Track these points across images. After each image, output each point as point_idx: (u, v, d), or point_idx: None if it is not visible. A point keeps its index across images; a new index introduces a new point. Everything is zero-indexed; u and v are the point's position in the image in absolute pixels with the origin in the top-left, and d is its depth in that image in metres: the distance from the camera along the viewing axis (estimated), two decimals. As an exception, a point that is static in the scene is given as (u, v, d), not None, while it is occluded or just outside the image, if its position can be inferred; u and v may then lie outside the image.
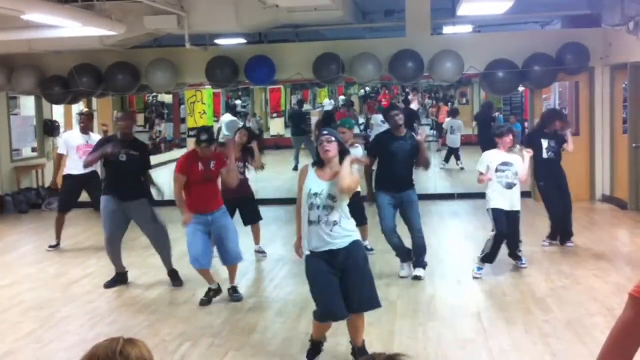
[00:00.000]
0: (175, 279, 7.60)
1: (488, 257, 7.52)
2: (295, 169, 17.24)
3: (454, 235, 9.84)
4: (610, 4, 10.64)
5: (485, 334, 5.71)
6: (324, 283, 4.90)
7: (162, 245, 7.65)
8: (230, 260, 6.93)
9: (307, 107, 31.01)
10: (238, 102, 23.64)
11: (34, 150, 14.05)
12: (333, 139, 4.99)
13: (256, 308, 6.71)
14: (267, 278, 8.02)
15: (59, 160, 9.78)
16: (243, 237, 7.66)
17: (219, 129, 17.25)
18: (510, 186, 7.46)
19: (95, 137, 9.71)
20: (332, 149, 4.93)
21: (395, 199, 7.43)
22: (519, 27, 14.49)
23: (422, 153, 7.43)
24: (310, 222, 4.90)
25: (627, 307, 2.00)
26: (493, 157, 7.56)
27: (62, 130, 14.24)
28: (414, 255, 7.62)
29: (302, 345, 5.58)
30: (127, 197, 7.39)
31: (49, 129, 13.91)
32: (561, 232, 8.72)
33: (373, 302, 4.99)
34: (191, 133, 19.00)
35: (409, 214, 7.55)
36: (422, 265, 7.59)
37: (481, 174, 7.56)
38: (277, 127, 25.76)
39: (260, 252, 8.81)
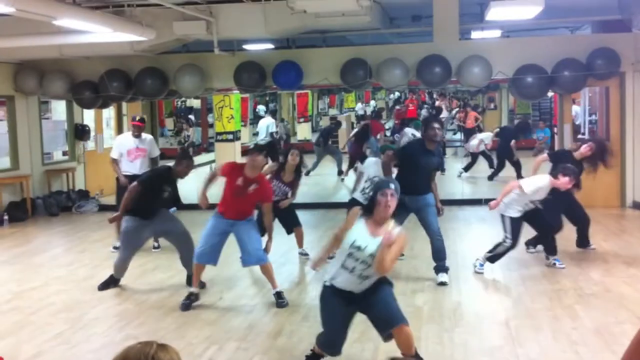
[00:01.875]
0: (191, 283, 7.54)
1: (493, 258, 7.82)
2: (340, 173, 17.15)
3: (480, 241, 9.74)
4: (641, 8, 10.51)
5: (512, 341, 5.66)
6: (333, 316, 4.82)
7: (187, 248, 7.57)
8: (253, 261, 6.89)
9: (333, 111, 31.07)
10: (261, 107, 23.74)
11: (64, 153, 14.24)
12: (397, 194, 4.66)
13: (282, 312, 6.72)
14: (293, 282, 8.02)
15: (113, 163, 9.82)
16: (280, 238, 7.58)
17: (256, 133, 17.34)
18: (532, 205, 7.69)
19: (147, 137, 9.84)
20: (393, 206, 4.62)
21: (411, 202, 7.31)
22: (548, 32, 14.38)
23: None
24: (343, 266, 4.71)
25: None
26: (531, 189, 7.54)
27: (92, 134, 14.41)
28: (434, 259, 7.60)
29: (328, 349, 5.59)
30: (152, 215, 7.45)
31: (80, 133, 14.11)
32: (579, 237, 8.76)
33: (402, 314, 4.82)
34: (219, 137, 19.15)
35: (426, 217, 7.54)
36: (445, 269, 7.58)
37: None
38: (303, 131, 25.83)
39: (304, 254, 8.88)
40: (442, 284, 7.38)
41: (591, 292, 6.99)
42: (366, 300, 4.78)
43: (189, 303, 6.84)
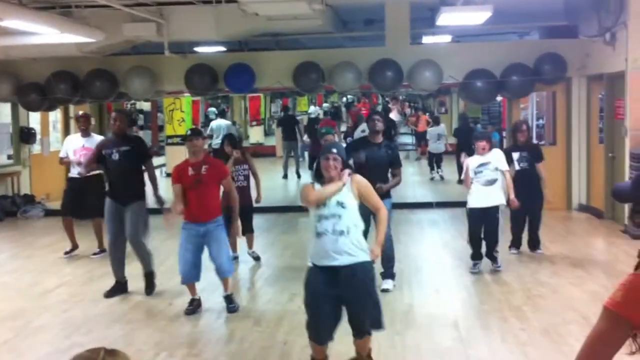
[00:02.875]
0: (148, 285, 7.50)
1: (472, 255, 8.06)
2: (285, 177, 17.16)
3: (432, 244, 9.86)
4: (587, 15, 10.76)
5: (462, 343, 5.72)
6: (316, 298, 4.80)
7: (140, 248, 7.49)
8: (221, 274, 6.79)
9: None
10: (212, 109, 23.54)
11: (9, 157, 13.87)
12: (340, 158, 4.85)
13: (233, 317, 6.66)
14: (244, 287, 7.98)
15: (61, 163, 9.62)
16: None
17: (210, 135, 17.08)
18: (490, 182, 7.83)
19: (97, 138, 9.43)
20: (338, 168, 4.81)
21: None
22: (497, 37, 14.62)
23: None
24: (317, 235, 4.75)
25: (601, 319, 2.02)
26: (471, 161, 7.99)
27: (38, 137, 14.09)
28: (382, 264, 7.40)
29: (280, 354, 5.57)
30: (125, 200, 7.31)
31: (25, 136, 13.75)
32: (530, 239, 8.83)
33: (375, 324, 4.88)
34: (169, 140, 18.93)
35: None
36: (391, 276, 7.46)
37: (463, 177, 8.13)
38: (256, 134, 25.75)
39: (255, 258, 8.84)
40: (385, 290, 7.18)
41: (539, 293, 7.11)
42: (347, 291, 4.73)
43: (193, 309, 6.71)
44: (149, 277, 7.55)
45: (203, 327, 6.37)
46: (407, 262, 8.52)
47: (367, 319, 4.83)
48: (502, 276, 7.79)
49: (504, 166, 7.94)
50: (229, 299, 6.83)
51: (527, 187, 8.35)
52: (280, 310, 6.71)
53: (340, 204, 4.73)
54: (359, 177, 4.93)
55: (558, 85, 11.93)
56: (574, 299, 6.85)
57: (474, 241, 8.04)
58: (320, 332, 4.84)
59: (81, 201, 9.24)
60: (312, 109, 30.22)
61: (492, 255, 8.02)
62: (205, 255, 6.79)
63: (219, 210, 6.84)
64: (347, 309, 4.80)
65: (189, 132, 6.95)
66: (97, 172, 8.54)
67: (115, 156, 7.33)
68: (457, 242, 9.16)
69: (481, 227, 7.96)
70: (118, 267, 7.51)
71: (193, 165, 6.65)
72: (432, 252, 9.28)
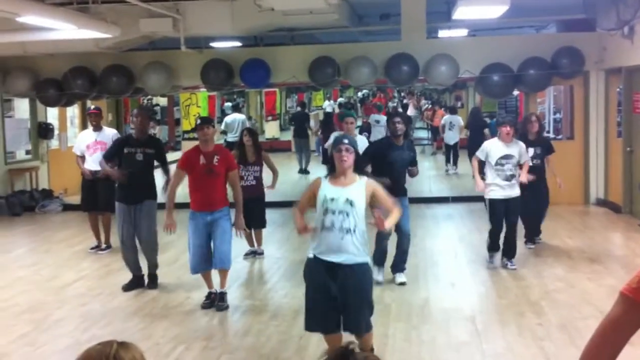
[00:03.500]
0: (152, 281, 7.59)
1: (490, 247, 7.90)
2: (301, 171, 17.17)
3: (448, 238, 9.84)
4: (605, 8, 10.68)
5: (479, 337, 5.71)
6: (317, 288, 4.81)
7: (153, 249, 7.60)
8: (218, 263, 6.73)
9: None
10: (227, 104, 23.56)
11: (27, 152, 14.00)
12: (352, 149, 4.81)
13: (250, 311, 6.70)
14: (261, 281, 8.01)
15: (77, 160, 9.69)
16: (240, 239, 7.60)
17: (224, 131, 17.10)
18: (509, 178, 7.64)
19: (109, 131, 9.66)
20: (350, 159, 4.77)
21: None
22: (513, 31, 14.52)
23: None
24: (323, 228, 4.73)
25: (616, 304, 2.02)
26: (493, 147, 7.67)
27: (55, 132, 14.19)
28: (395, 258, 7.52)
29: (296, 348, 5.59)
30: (138, 198, 7.39)
31: (43, 131, 13.87)
32: (531, 232, 8.85)
33: (368, 327, 4.91)
34: (186, 135, 19.00)
35: (401, 218, 7.46)
36: (402, 269, 7.51)
37: (480, 162, 7.87)
38: (272, 129, 25.75)
39: (258, 253, 8.86)
40: (403, 284, 7.32)
41: (556, 288, 7.08)
42: (344, 290, 4.73)
43: (210, 302, 6.71)
44: (153, 276, 7.65)
45: (220, 321, 6.40)
46: (423, 256, 8.52)
47: (363, 320, 4.83)
48: (519, 271, 7.76)
49: (526, 159, 7.85)
50: (221, 296, 6.77)
51: (537, 183, 8.28)
52: (297, 305, 6.71)
53: (350, 202, 4.70)
54: (373, 181, 4.94)
55: (575, 79, 11.84)
56: (591, 293, 6.81)
57: (495, 232, 7.82)
58: (325, 320, 4.79)
59: (96, 195, 9.33)
60: (326, 103, 30.19)
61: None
62: None
63: (226, 200, 6.84)
64: (344, 305, 4.77)
65: (198, 121, 6.93)
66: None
67: (140, 157, 7.41)
68: (474, 236, 9.14)
69: (503, 216, 7.74)
70: (132, 263, 7.58)
71: (205, 154, 6.62)
72: (449, 246, 9.26)
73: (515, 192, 7.72)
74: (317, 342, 5.64)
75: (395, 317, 6.32)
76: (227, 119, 17.44)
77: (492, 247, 7.93)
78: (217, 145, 6.92)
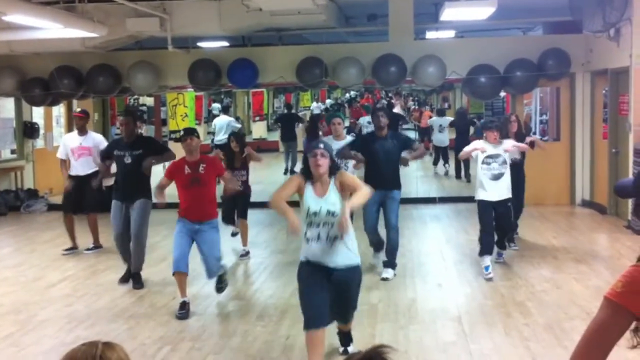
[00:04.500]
0: (136, 281, 7.59)
1: (482, 251, 7.69)
2: (287, 172, 17.09)
3: (435, 239, 9.86)
4: (591, 10, 10.73)
5: (465, 338, 5.72)
6: (311, 283, 4.81)
7: (140, 246, 7.61)
8: (209, 275, 6.80)
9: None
10: (216, 105, 23.47)
11: (13, 152, 13.89)
12: (327, 153, 4.78)
13: (236, 311, 6.68)
14: (247, 281, 7.99)
15: (60, 165, 9.63)
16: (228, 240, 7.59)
17: (213, 132, 17.01)
18: (496, 177, 7.61)
19: (94, 136, 9.55)
20: (324, 164, 4.74)
21: (379, 196, 7.25)
22: (500, 33, 14.58)
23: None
24: (307, 240, 4.77)
25: (602, 309, 2.02)
26: (482, 146, 7.66)
27: (41, 132, 14.10)
28: (385, 254, 7.71)
29: (282, 348, 5.58)
30: (131, 198, 7.53)
31: (29, 130, 13.77)
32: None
33: (352, 317, 5.26)
34: (172, 135, 18.90)
35: (388, 211, 7.65)
36: (392, 265, 7.65)
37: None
38: (259, 130, 25.73)
39: (244, 255, 8.88)
40: (385, 279, 7.48)
41: (542, 288, 7.11)
42: (338, 289, 4.85)
43: (186, 312, 6.49)
44: (138, 276, 7.64)
45: (206, 322, 6.38)
46: (411, 257, 8.52)
47: (350, 313, 5.16)
48: (505, 271, 7.79)
49: (520, 146, 8.01)
50: (219, 279, 6.96)
51: (515, 181, 8.20)
52: (283, 305, 6.71)
53: (331, 214, 4.71)
54: (342, 174, 4.89)
55: (562, 80, 11.91)
56: (577, 294, 6.84)
57: (487, 233, 7.68)
58: (322, 316, 4.78)
59: (80, 197, 9.30)
60: (314, 105, 30.20)
61: (502, 244, 8.11)
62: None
63: (215, 212, 6.82)
64: (335, 304, 4.87)
65: (182, 133, 7.00)
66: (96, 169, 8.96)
67: (128, 159, 7.53)
68: (461, 237, 9.16)
69: (492, 218, 7.69)
70: (127, 256, 7.69)
71: (190, 164, 6.59)
72: (435, 247, 9.28)
73: (504, 194, 7.66)
74: (304, 343, 5.62)
75: (382, 317, 6.32)
76: (216, 121, 17.36)
77: (482, 250, 7.70)
78: (203, 155, 6.86)
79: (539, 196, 11.85)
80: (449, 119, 17.15)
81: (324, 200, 4.74)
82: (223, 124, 16.89)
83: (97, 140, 9.45)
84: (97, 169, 8.98)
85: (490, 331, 5.87)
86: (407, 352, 5.43)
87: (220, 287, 6.99)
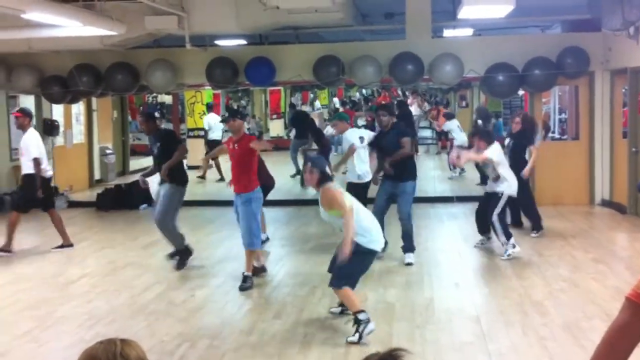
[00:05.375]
0: (179, 260, 8.16)
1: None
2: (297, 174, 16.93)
3: (452, 238, 9.83)
4: (611, 8, 10.63)
5: (483, 337, 5.71)
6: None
7: (164, 230, 8.15)
8: (244, 243, 7.39)
9: (305, 108, 31.06)
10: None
11: (32, 149, 14.00)
12: (315, 169, 5.70)
13: (254, 309, 6.71)
14: (265, 279, 8.00)
15: (38, 164, 9.28)
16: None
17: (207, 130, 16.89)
18: (494, 180, 8.45)
19: (26, 136, 9.26)
20: (312, 178, 5.72)
21: (389, 186, 8.20)
22: (519, 31, 14.50)
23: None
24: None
25: (623, 310, 2.01)
26: (473, 157, 8.76)
27: (61, 129, 14.22)
28: (402, 239, 8.22)
29: (300, 346, 5.60)
30: (162, 183, 8.26)
31: (48, 128, 13.89)
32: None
33: (335, 284, 5.79)
34: (190, 133, 18.98)
35: (398, 203, 8.26)
36: (410, 249, 8.13)
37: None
38: (276, 128, 25.79)
39: (264, 241, 9.03)
40: (409, 264, 7.94)
41: (560, 288, 7.07)
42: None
43: (246, 285, 7.20)
44: (179, 254, 8.13)
45: (224, 319, 6.41)
46: (427, 256, 8.51)
47: (333, 277, 5.80)
48: (523, 270, 7.76)
49: (501, 161, 8.45)
50: (244, 278, 7.31)
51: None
52: (301, 303, 6.74)
53: (325, 218, 5.86)
54: (323, 191, 5.68)
55: (581, 79, 11.82)
56: (596, 294, 6.80)
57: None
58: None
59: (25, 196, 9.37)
60: (317, 104, 30.09)
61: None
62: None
63: (249, 187, 7.40)
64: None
65: (225, 114, 7.77)
66: None
67: (155, 151, 8.34)
68: (478, 236, 9.11)
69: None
70: (171, 239, 8.20)
71: (234, 141, 7.53)
72: (453, 246, 9.25)
73: (496, 187, 8.40)
74: (322, 341, 5.66)
75: (399, 316, 6.31)
76: (207, 119, 17.11)
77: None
78: (243, 134, 7.65)
79: (557, 196, 11.79)
80: (455, 122, 16.92)
81: (320, 208, 5.82)
82: (214, 121, 16.85)
83: (26, 141, 9.24)
84: (31, 171, 9.07)
85: (508, 331, 5.85)
86: (423, 352, 5.43)
87: (244, 286, 7.22)
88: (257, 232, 7.45)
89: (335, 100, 30.13)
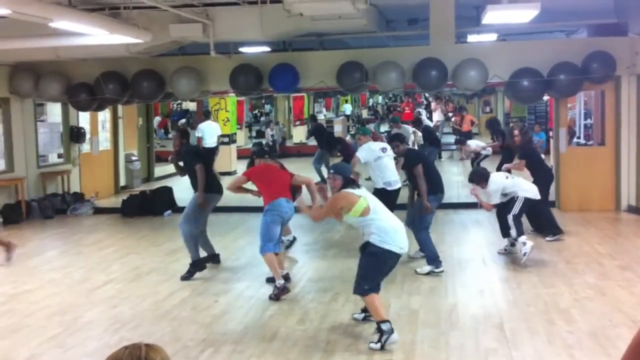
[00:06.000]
0: (189, 268, 8.18)
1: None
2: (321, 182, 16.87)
3: (476, 244, 9.77)
4: (637, 13, 10.53)
5: (508, 344, 5.66)
6: None
7: (182, 235, 8.27)
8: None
9: (330, 114, 31.06)
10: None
11: (60, 156, 14.21)
12: (338, 175, 5.93)
13: (277, 315, 6.72)
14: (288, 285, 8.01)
15: None
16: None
17: (199, 137, 16.65)
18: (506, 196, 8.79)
19: None
20: (335, 184, 5.92)
21: (437, 201, 8.46)
22: (544, 36, 14.40)
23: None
24: None
25: None
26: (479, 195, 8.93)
27: (87, 136, 14.39)
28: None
29: (323, 352, 5.59)
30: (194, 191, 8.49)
31: (75, 135, 14.08)
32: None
33: (358, 291, 5.83)
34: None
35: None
36: (426, 259, 8.28)
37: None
38: (299, 134, 25.84)
39: (292, 242, 9.63)
40: (428, 273, 8.03)
41: (586, 295, 6.99)
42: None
43: (279, 292, 7.23)
44: (192, 264, 8.16)
45: (248, 324, 6.43)
46: (451, 263, 8.47)
47: (356, 282, 5.82)
48: (548, 278, 7.68)
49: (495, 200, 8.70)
50: (268, 280, 7.63)
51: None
52: (324, 310, 6.73)
53: (349, 222, 6.01)
54: (339, 195, 5.86)
55: (607, 84, 11.70)
56: (623, 301, 6.72)
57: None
58: None
59: None
60: (346, 106, 30.06)
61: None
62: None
63: (265, 200, 7.58)
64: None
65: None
66: None
67: (182, 164, 8.64)
68: (502, 242, 9.05)
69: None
70: (202, 246, 8.44)
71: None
72: (477, 253, 9.19)
73: (513, 193, 8.73)
74: (344, 347, 5.66)
75: (423, 323, 6.29)
76: (202, 126, 16.91)
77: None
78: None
79: (583, 202, 11.67)
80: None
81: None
82: (210, 128, 16.81)
83: None
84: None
85: (533, 338, 5.80)
86: (447, 358, 5.40)
87: (270, 284, 7.43)
88: (263, 239, 7.42)
89: (346, 106, 30.13)
